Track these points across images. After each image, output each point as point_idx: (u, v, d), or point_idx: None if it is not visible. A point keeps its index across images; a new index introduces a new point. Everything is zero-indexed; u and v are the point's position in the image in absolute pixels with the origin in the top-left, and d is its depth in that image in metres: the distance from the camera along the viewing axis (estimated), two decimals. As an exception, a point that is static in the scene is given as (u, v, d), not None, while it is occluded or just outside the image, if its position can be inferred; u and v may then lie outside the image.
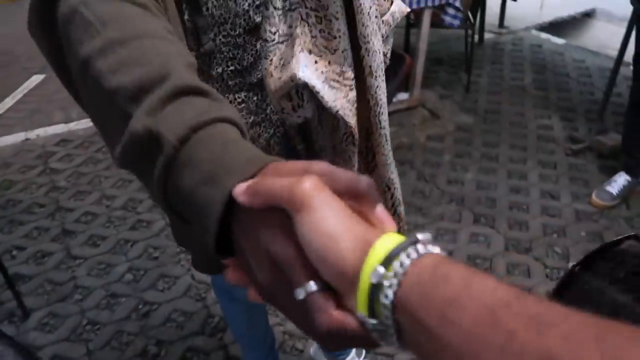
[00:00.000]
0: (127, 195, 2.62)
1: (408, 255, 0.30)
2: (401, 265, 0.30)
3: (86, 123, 3.27)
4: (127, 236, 2.36)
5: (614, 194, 2.41)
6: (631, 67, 2.33)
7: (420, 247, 0.31)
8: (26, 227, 2.44)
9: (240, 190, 0.37)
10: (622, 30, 2.71)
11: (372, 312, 0.31)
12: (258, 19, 0.84)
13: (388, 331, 0.31)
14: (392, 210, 1.06)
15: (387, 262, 0.30)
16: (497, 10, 4.38)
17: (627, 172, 2.44)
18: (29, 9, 0.60)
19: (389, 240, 0.32)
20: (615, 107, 3.11)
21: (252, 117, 0.93)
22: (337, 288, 0.34)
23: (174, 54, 0.49)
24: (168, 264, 2.20)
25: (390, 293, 0.30)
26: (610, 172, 2.55)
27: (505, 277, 2.06)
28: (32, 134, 3.19)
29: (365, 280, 0.31)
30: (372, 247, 0.32)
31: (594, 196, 2.44)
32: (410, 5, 2.91)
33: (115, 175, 2.76)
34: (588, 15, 4.76)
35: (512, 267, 2.13)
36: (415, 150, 2.89)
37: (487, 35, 4.25)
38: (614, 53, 2.92)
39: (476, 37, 3.97)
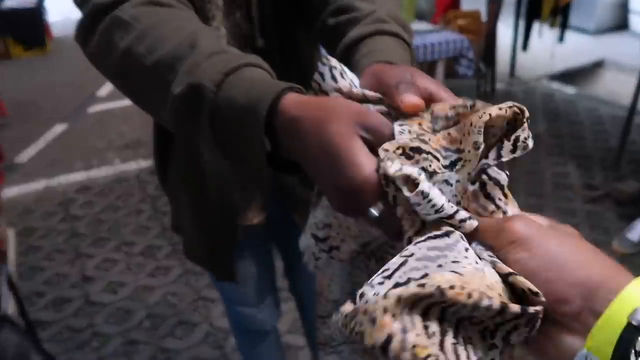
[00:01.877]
0: (146, 242, 2.64)
1: None
2: None
3: (106, 171, 3.34)
4: (145, 283, 2.36)
5: (635, 240, 2.39)
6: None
7: None
8: (46, 273, 2.46)
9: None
10: (632, 80, 2.75)
11: (620, 352, 0.29)
12: None
13: None
14: None
15: None
16: (508, 60, 4.48)
17: (647, 219, 2.42)
18: (79, 37, 0.65)
19: None
20: (630, 154, 3.12)
21: None
22: (556, 304, 0.33)
23: (200, 27, 0.58)
24: (186, 311, 2.19)
25: None
26: (629, 219, 2.53)
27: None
28: (54, 182, 3.26)
29: (619, 313, 0.29)
30: (628, 285, 0.31)
31: (615, 243, 2.42)
32: (424, 57, 2.99)
33: (135, 222, 2.79)
34: (598, 65, 4.85)
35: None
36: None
37: (499, 85, 4.33)
38: (626, 102, 2.96)
39: (488, 87, 4.05)
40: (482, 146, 0.41)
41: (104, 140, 3.76)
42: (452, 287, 0.32)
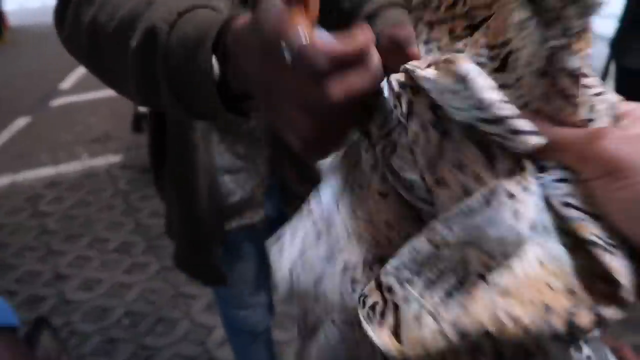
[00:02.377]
0: (121, 238, 2.59)
1: None
2: None
3: (74, 165, 3.26)
4: (122, 280, 2.33)
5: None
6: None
7: None
8: (17, 271, 2.39)
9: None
10: None
11: None
12: None
13: None
14: None
15: None
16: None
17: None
18: (55, 18, 0.65)
19: None
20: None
21: None
22: None
23: None
24: (165, 308, 2.18)
25: None
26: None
27: None
28: (19, 177, 3.16)
29: None
30: None
31: None
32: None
33: (107, 218, 2.74)
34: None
35: None
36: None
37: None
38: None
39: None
40: (533, 22, 0.27)
41: (71, 134, 3.66)
42: (499, 324, 0.25)
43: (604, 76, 2.81)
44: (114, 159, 3.31)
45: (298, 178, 1.01)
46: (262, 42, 0.36)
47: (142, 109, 2.84)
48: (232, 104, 0.46)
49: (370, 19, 0.68)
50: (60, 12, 0.63)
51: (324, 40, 0.32)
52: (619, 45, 2.18)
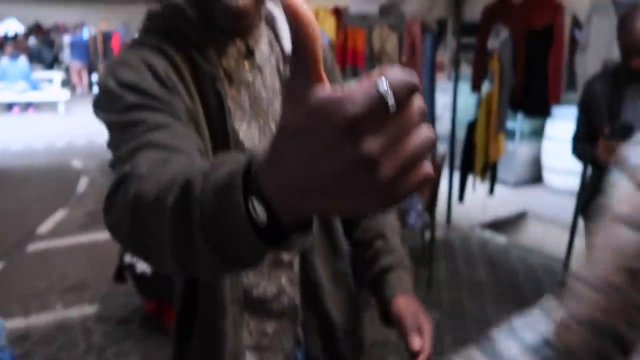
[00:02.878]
0: (92, 400, 2.43)
1: None
2: None
3: (47, 317, 3.12)
4: None
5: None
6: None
7: None
8: None
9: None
10: (553, 230, 3.07)
11: None
12: None
13: None
14: None
15: None
16: (444, 208, 4.84)
17: None
18: (106, 200, 0.67)
19: None
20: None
21: None
22: None
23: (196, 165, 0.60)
24: None
25: None
26: None
27: None
28: (-14, 329, 2.99)
29: None
30: None
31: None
32: (378, 209, 3.21)
33: (79, 376, 2.58)
34: (521, 216, 5.34)
35: None
36: (389, 347, 2.93)
37: (437, 232, 4.63)
38: (552, 251, 3.25)
39: (429, 235, 4.32)
40: None
41: (45, 281, 3.56)
42: None
43: (572, 232, 2.99)
44: (89, 309, 3.20)
45: (325, 351, 1.03)
46: (311, 128, 0.35)
47: (128, 259, 2.84)
48: (271, 240, 0.44)
49: (382, 274, 1.10)
50: (111, 194, 0.66)
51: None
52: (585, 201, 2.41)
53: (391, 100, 0.33)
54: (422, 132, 0.35)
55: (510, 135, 6.20)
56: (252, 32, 0.92)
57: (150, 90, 0.80)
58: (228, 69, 0.91)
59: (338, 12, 4.65)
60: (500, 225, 5.07)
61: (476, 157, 4.23)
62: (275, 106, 0.95)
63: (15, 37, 13.54)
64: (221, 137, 0.87)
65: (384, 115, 0.33)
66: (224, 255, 0.48)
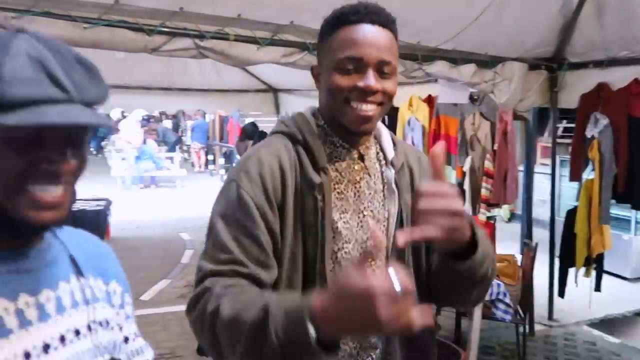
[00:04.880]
0: None
1: None
2: None
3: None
4: None
5: None
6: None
7: None
8: None
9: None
10: None
11: None
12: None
13: None
14: None
15: None
16: (545, 301, 4.48)
17: None
18: (188, 304, 0.99)
19: None
20: None
21: None
22: None
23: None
24: None
25: None
26: None
27: None
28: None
29: None
30: None
31: None
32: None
33: None
34: (639, 314, 4.78)
35: None
36: None
37: (538, 327, 4.27)
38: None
39: (527, 329, 4.00)
40: None
41: (139, 348, 3.78)
42: None
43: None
44: (175, 378, 3.33)
45: None
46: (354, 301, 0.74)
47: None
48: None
49: None
50: (193, 302, 0.96)
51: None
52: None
53: (399, 291, 0.72)
54: (411, 311, 0.74)
55: (624, 224, 5.71)
56: (364, 142, 1.14)
57: (256, 210, 1.02)
58: (340, 170, 1.11)
59: (430, 100, 4.75)
60: (611, 323, 4.57)
61: (577, 250, 3.94)
62: (375, 204, 1.13)
63: (149, 119, 15.41)
64: (315, 230, 1.06)
65: (395, 297, 0.72)
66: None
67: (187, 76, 5.39)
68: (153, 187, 11.64)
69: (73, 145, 0.69)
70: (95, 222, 6.19)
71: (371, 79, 1.03)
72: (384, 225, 1.13)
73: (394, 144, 1.20)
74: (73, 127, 0.68)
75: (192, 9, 2.44)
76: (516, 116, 4.05)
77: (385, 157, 1.17)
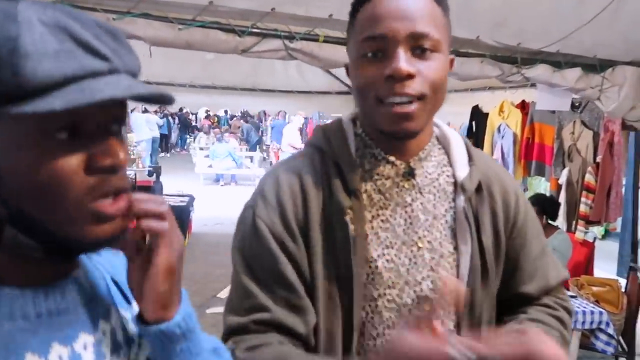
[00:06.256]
0: None
1: None
2: None
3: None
4: None
5: None
6: None
7: None
8: None
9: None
10: None
11: None
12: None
13: None
14: None
15: None
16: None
17: None
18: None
19: None
20: None
21: None
22: None
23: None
24: None
25: None
26: None
27: None
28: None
29: None
30: None
31: None
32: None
33: None
34: None
35: None
36: None
37: (638, 360, 3.87)
38: None
39: (627, 362, 3.63)
40: None
41: (216, 346, 3.82)
42: None
43: None
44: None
45: None
46: None
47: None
48: None
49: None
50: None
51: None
52: None
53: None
54: None
55: None
56: (415, 152, 0.88)
57: (274, 240, 0.84)
58: (384, 190, 0.86)
59: (524, 106, 4.45)
60: None
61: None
62: (434, 233, 0.86)
63: (232, 117, 15.80)
64: (346, 269, 0.83)
65: None
66: None
67: (272, 77, 5.43)
68: (233, 185, 11.93)
69: (120, 130, 0.54)
70: (179, 217, 6.41)
71: (399, 61, 0.75)
72: (449, 264, 0.86)
73: (470, 157, 0.92)
74: (129, 100, 0.52)
75: (284, 9, 2.39)
76: (625, 126, 3.68)
77: (454, 175, 0.90)
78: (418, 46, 0.77)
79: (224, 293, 4.88)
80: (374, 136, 0.88)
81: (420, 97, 0.78)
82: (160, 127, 14.26)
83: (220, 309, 4.13)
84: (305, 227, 0.84)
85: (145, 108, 10.74)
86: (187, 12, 2.29)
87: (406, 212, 0.86)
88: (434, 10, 0.79)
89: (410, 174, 0.87)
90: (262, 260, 0.84)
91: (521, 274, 0.94)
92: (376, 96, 0.79)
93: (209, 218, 7.78)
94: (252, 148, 14.61)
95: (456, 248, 0.87)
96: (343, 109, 6.86)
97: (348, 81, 4.38)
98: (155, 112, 12.80)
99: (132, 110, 11.32)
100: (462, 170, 0.90)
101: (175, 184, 8.59)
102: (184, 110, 14.80)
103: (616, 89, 3.26)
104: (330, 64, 3.01)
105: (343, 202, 0.84)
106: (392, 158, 0.87)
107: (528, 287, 0.94)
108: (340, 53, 2.73)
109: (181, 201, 6.51)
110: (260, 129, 17.33)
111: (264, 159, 14.75)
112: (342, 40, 2.71)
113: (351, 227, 0.83)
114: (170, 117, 16.77)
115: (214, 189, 11.39)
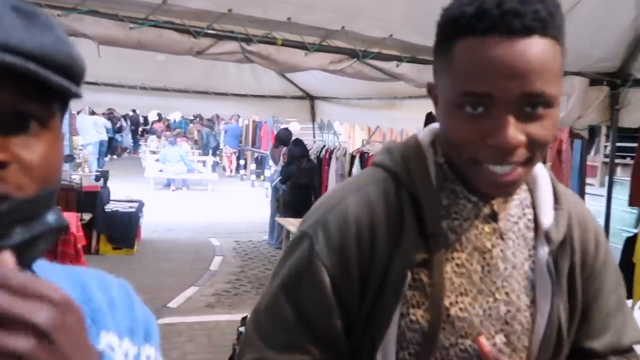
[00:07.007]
0: None
1: None
2: None
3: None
4: None
5: None
6: None
7: None
8: None
9: None
10: None
11: None
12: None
13: None
14: None
15: None
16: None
17: None
18: None
19: None
20: None
21: None
22: None
23: None
24: None
25: None
26: None
27: None
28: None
29: None
30: None
31: None
32: None
33: None
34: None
35: None
36: None
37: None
38: None
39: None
40: None
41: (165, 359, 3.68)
42: None
43: None
44: (201, 394, 3.21)
45: None
46: None
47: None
48: None
49: None
50: None
51: None
52: None
53: None
54: None
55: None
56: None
57: (331, 286, 0.76)
58: (461, 231, 0.77)
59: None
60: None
61: (635, 280, 3.66)
62: (513, 284, 0.78)
63: (192, 121, 15.42)
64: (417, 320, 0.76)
65: None
66: None
67: (226, 81, 5.33)
68: (185, 190, 11.67)
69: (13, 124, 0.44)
70: (127, 224, 6.19)
71: (508, 133, 0.65)
72: (525, 318, 0.79)
73: (557, 198, 0.81)
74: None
75: (241, 11, 2.32)
76: (572, 134, 3.81)
77: (535, 219, 0.80)
78: (529, 105, 0.66)
79: (175, 303, 4.72)
80: (456, 171, 0.77)
81: (527, 162, 0.69)
82: (108, 130, 13.79)
83: (171, 319, 4.00)
84: (368, 271, 0.76)
85: (92, 110, 10.34)
86: (139, 10, 2.19)
87: (484, 258, 0.78)
88: (553, 55, 0.66)
89: (493, 218, 0.78)
90: (313, 302, 0.76)
91: (589, 328, 0.86)
92: (472, 159, 0.70)
93: (159, 224, 7.54)
94: (212, 153, 14.39)
95: (533, 302, 0.79)
96: (299, 113, 6.83)
97: (304, 86, 4.41)
98: (103, 114, 12.34)
99: (78, 112, 10.90)
100: (547, 216, 0.80)
101: (124, 189, 8.29)
102: (136, 112, 14.39)
103: (565, 98, 3.37)
104: (288, 67, 2.96)
105: (415, 254, 0.75)
106: (474, 198, 0.77)
107: (595, 343, 0.85)
108: (298, 57, 2.69)
109: (130, 207, 6.28)
110: (213, 133, 17.09)
111: (217, 163, 14.51)
112: (300, 44, 2.67)
113: (425, 279, 0.76)
114: (123, 119, 16.28)
115: (164, 194, 11.09)
